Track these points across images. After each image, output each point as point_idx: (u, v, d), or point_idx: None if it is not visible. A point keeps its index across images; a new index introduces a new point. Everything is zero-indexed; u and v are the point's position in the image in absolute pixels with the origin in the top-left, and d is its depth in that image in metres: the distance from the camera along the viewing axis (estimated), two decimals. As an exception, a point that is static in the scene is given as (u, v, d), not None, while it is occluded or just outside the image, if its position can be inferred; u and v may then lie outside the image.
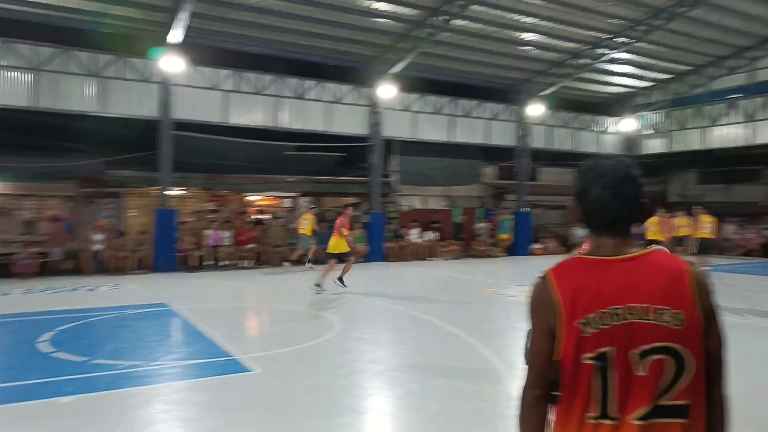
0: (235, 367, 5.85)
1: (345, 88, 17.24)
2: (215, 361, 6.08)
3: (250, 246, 15.53)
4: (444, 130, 19.10)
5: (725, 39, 17.87)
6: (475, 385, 5.37)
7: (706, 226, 13.22)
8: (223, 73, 15.62)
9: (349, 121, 17.33)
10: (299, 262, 14.58)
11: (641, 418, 1.44)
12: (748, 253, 19.42)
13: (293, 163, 18.57)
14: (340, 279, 10.82)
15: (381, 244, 17.11)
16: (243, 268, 15.08)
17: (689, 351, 1.46)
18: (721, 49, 18.64)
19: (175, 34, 13.44)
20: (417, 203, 21.55)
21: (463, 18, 14.92)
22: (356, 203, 11.33)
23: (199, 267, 14.62)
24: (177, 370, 5.83)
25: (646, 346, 1.46)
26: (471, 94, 19.74)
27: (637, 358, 1.46)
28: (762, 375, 5.60)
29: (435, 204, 21.87)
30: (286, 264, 14.87)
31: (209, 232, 15.17)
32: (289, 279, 13.09)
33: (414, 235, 18.42)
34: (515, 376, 5.50)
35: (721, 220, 16.00)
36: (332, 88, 17.09)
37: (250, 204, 19.61)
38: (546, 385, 1.58)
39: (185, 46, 13.90)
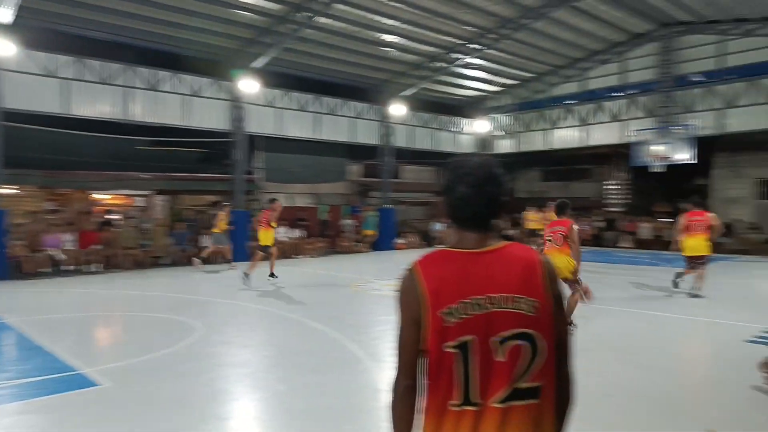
0: (81, 382, 5.31)
1: (204, 80, 16.45)
2: (57, 378, 5.47)
3: (96, 249, 14.23)
4: (309, 128, 19.02)
5: (561, 50, 19.83)
6: (343, 380, 5.41)
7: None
8: (62, 59, 14.11)
9: (209, 116, 16.56)
10: (207, 260, 14.32)
11: (501, 402, 1.52)
12: (582, 243, 21.77)
13: (148, 159, 17.34)
14: (271, 275, 11.44)
15: (245, 243, 16.59)
16: (90, 273, 13.78)
17: (542, 335, 1.56)
18: (558, 59, 20.67)
19: (4, 14, 11.88)
20: (283, 201, 21.20)
21: (327, 16, 14.97)
22: (272, 198, 11.88)
23: (36, 274, 13.09)
24: (8, 391, 5.16)
25: (505, 333, 1.54)
26: (336, 93, 19.87)
27: (496, 345, 1.53)
28: (595, 351, 6.29)
29: (301, 201, 21.72)
30: (197, 261, 14.06)
31: (49, 234, 13.65)
32: (144, 283, 12.21)
33: (280, 233, 18.12)
34: (383, 369, 5.64)
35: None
36: (189, 81, 16.22)
37: (97, 203, 17.99)
38: (415, 375, 1.63)
39: (16, 28, 12.35)
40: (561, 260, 6.96)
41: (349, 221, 20.37)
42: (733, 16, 16.96)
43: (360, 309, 9.51)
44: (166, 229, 16.13)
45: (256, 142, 19.01)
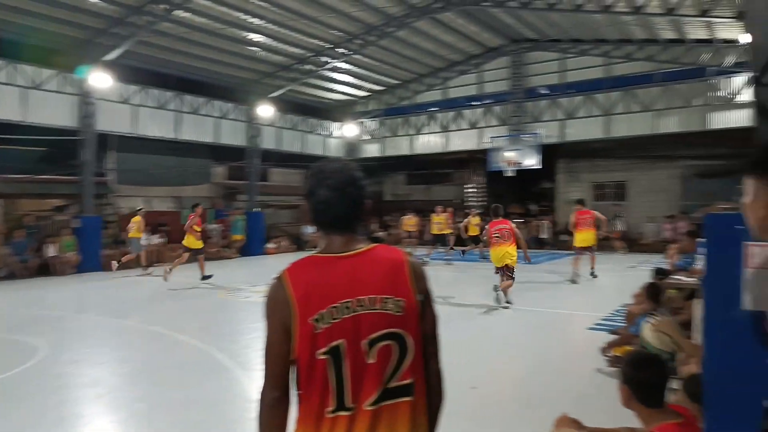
0: None
1: (46, 72, 14.82)
2: None
3: None
4: (170, 127, 17.94)
5: (424, 60, 20.76)
6: (211, 392, 5.17)
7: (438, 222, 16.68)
8: None
9: (53, 112, 14.93)
10: (126, 266, 14.21)
11: (374, 404, 1.53)
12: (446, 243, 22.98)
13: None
14: (203, 278, 11.84)
15: (98, 251, 15.23)
16: None
17: (410, 333, 1.59)
18: (421, 68, 21.60)
19: None
20: (142, 205, 19.77)
21: (187, 10, 14.21)
22: (195, 204, 12.61)
23: None
24: None
25: (374, 335, 1.55)
26: (199, 91, 18.98)
27: (367, 347, 1.54)
28: (460, 346, 6.65)
29: (161, 205, 20.41)
30: (115, 264, 13.99)
31: None
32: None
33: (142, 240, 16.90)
34: (253, 378, 5.48)
35: (423, 216, 18.70)
36: (29, 71, 14.52)
37: None
38: (285, 385, 1.59)
39: None
40: (511, 251, 8.79)
41: (215, 226, 19.56)
42: (571, 37, 18.93)
43: (229, 317, 9.16)
44: (1, 237, 14.32)
45: (108, 141, 17.56)
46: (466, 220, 16.69)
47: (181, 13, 14.24)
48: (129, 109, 16.84)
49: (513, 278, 8.99)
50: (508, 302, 8.98)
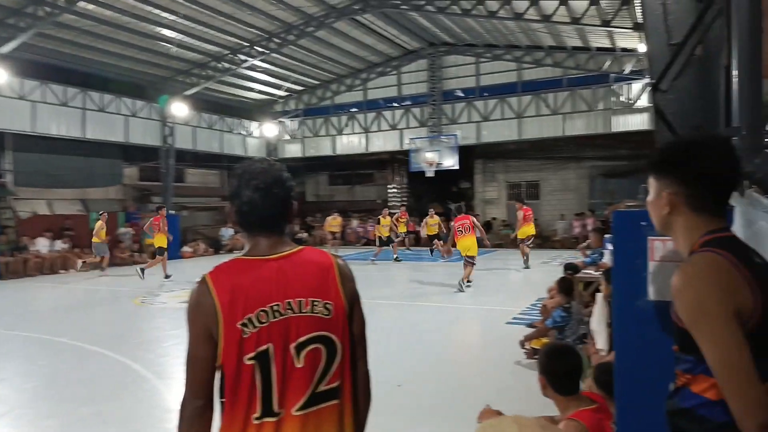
0: None
1: (-71, 64, 13.49)
2: None
3: None
4: (74, 125, 16.82)
5: (344, 60, 20.77)
6: (127, 405, 4.91)
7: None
8: None
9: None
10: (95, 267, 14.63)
11: (301, 408, 1.51)
12: (368, 243, 23.14)
13: None
14: (166, 276, 12.87)
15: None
16: None
17: (338, 336, 1.58)
18: (341, 69, 21.60)
19: None
20: (44, 208, 18.41)
21: (92, 2, 13.37)
22: (159, 206, 13.73)
23: None
24: None
25: (302, 338, 1.53)
26: (107, 88, 17.95)
27: (295, 351, 1.52)
28: (384, 344, 6.73)
29: (65, 208, 19.08)
30: (81, 264, 14.71)
31: None
32: None
33: (43, 245, 15.77)
34: (172, 387, 5.27)
35: (346, 216, 18.75)
36: None
37: None
38: (208, 393, 1.53)
39: None
40: (471, 241, 10.68)
41: (126, 229, 18.57)
42: (485, 42, 19.63)
43: (144, 325, 8.75)
44: None
45: (4, 140, 16.24)
46: (424, 220, 17.66)
47: (87, 6, 13.39)
48: (27, 106, 15.63)
49: (473, 264, 10.85)
50: (469, 282, 10.77)
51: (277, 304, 1.53)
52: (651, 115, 12.92)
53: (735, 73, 2.13)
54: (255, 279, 1.54)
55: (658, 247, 2.19)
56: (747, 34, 2.08)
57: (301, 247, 1.66)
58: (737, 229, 1.91)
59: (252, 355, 1.49)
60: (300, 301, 1.55)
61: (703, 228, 1.47)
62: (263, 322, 1.51)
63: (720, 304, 1.32)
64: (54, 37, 14.58)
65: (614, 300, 2.37)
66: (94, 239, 14.26)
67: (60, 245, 16.22)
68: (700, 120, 2.28)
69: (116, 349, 6.78)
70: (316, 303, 1.56)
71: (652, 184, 1.58)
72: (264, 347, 1.50)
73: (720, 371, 1.31)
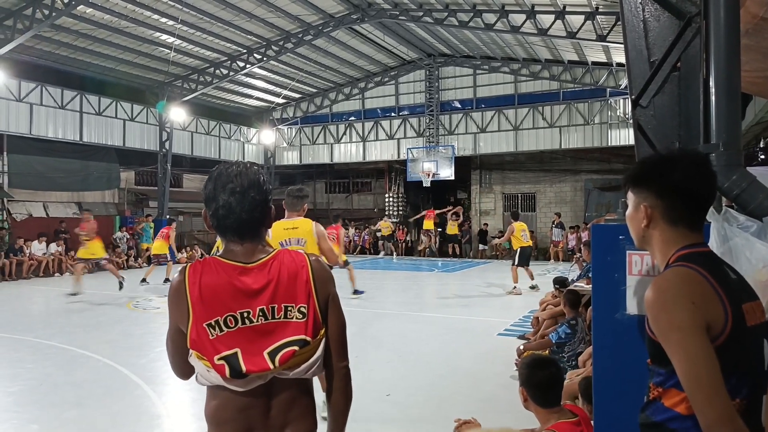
0: None
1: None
2: None
3: None
4: (72, 128, 16.86)
5: (342, 69, 20.87)
6: (116, 410, 4.89)
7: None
8: None
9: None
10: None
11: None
12: (363, 251, 23.15)
13: None
14: (143, 280, 13.28)
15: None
16: None
17: (313, 337, 1.57)
18: (339, 78, 21.70)
19: None
20: (40, 211, 18.40)
21: (90, 5, 13.42)
22: (170, 219, 14.59)
23: None
24: None
25: (276, 344, 1.54)
26: (106, 91, 18.00)
27: (268, 356, 1.53)
28: (375, 353, 6.73)
29: (61, 212, 19.07)
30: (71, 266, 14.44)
31: None
32: None
33: (38, 248, 15.73)
34: (162, 393, 5.26)
35: (344, 224, 18.71)
36: None
37: None
38: (188, 371, 1.66)
39: None
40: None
41: (122, 233, 18.55)
42: (483, 54, 19.74)
43: (136, 329, 8.70)
44: None
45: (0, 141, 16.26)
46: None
47: (86, 9, 13.45)
48: (25, 108, 15.67)
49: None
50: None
51: (248, 311, 1.54)
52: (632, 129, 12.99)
53: (713, 90, 2.17)
54: (226, 283, 1.55)
55: (637, 261, 2.22)
56: (724, 52, 2.12)
57: (276, 250, 1.65)
58: (713, 245, 1.94)
59: (220, 356, 1.51)
60: (273, 307, 1.55)
61: (679, 242, 1.49)
62: (231, 327, 1.52)
63: (690, 317, 1.34)
64: (52, 39, 14.65)
65: (593, 313, 2.40)
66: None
67: (55, 248, 16.18)
68: (679, 136, 2.32)
69: (106, 354, 6.76)
70: (289, 308, 1.56)
71: (630, 198, 1.60)
72: (231, 351, 1.51)
73: (688, 384, 1.33)
